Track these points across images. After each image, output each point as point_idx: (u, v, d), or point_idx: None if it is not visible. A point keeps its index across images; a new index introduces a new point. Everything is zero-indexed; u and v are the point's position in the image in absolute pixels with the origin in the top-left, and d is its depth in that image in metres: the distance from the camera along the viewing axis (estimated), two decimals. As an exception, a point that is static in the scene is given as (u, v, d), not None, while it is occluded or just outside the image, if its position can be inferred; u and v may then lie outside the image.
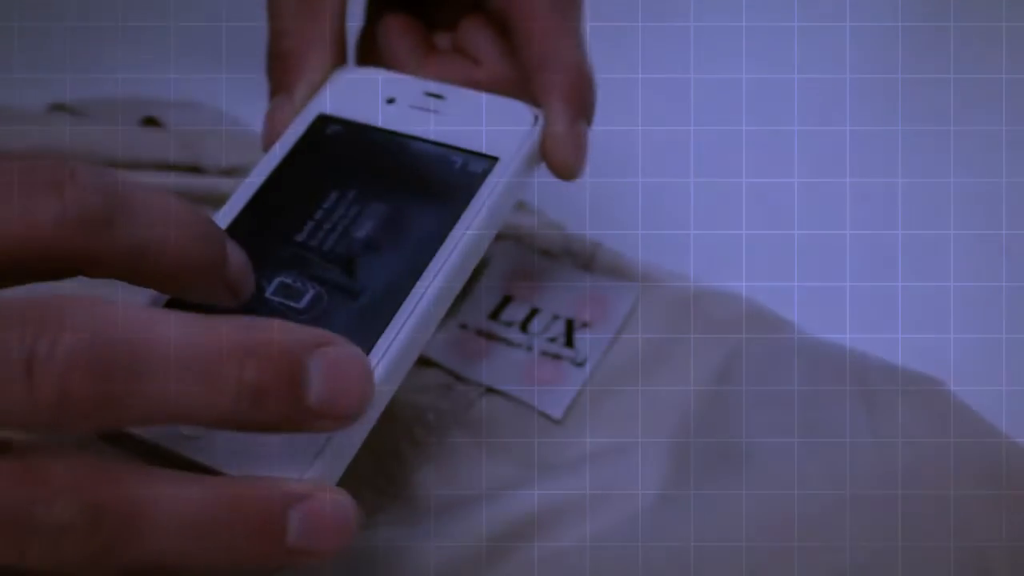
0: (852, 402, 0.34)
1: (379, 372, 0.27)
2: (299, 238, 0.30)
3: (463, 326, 0.40)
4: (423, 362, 0.39)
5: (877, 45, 0.59)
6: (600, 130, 0.49)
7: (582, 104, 0.34)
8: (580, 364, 0.38)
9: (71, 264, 0.24)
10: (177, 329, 0.23)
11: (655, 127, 0.49)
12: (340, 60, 0.35)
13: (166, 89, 0.48)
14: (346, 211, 0.31)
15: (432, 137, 0.32)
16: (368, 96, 0.34)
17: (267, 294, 0.29)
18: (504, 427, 0.38)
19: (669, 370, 0.38)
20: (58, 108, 0.47)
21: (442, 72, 0.36)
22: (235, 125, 0.47)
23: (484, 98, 0.34)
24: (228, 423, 0.24)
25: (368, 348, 0.27)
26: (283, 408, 0.24)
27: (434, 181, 0.31)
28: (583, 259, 0.41)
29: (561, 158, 0.33)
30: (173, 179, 0.42)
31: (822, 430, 0.34)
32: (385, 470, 0.36)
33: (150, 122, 0.45)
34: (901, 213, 0.46)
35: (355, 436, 0.27)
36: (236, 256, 0.27)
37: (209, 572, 0.24)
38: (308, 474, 0.26)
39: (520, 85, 0.35)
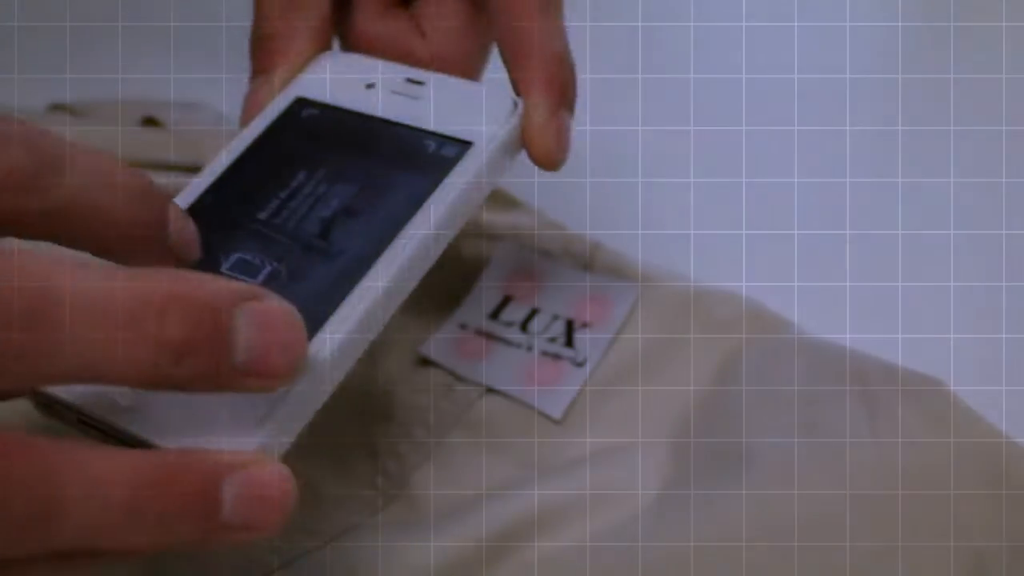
0: (852, 402, 0.34)
1: (332, 352, 0.27)
2: (262, 216, 0.30)
3: (463, 326, 0.40)
4: (423, 362, 0.39)
5: (877, 45, 0.59)
6: (600, 130, 0.49)
7: (563, 93, 0.33)
8: (580, 364, 0.38)
9: None
10: (95, 279, 0.22)
11: (655, 127, 0.49)
12: (324, 45, 0.35)
13: (166, 89, 0.48)
14: (312, 191, 0.31)
15: (407, 122, 0.32)
16: (348, 80, 0.34)
17: (224, 269, 0.29)
18: (504, 427, 0.38)
19: (669, 370, 0.38)
20: (58, 108, 0.47)
21: (380, 36, 0.36)
22: (235, 125, 0.47)
23: (464, 85, 0.34)
24: (149, 381, 0.22)
25: (321, 324, 0.27)
26: (207, 365, 0.23)
27: (405, 165, 0.31)
28: (583, 259, 0.41)
29: (541, 147, 0.33)
30: (173, 179, 0.42)
31: (822, 430, 0.34)
32: (385, 470, 0.36)
33: (150, 122, 0.45)
34: (901, 213, 0.46)
35: (304, 405, 0.26)
36: (179, 221, 0.27)
37: (140, 551, 0.23)
38: (249, 445, 0.25)
39: (462, 67, 0.35)
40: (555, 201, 0.43)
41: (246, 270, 0.29)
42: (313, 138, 0.32)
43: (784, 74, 0.53)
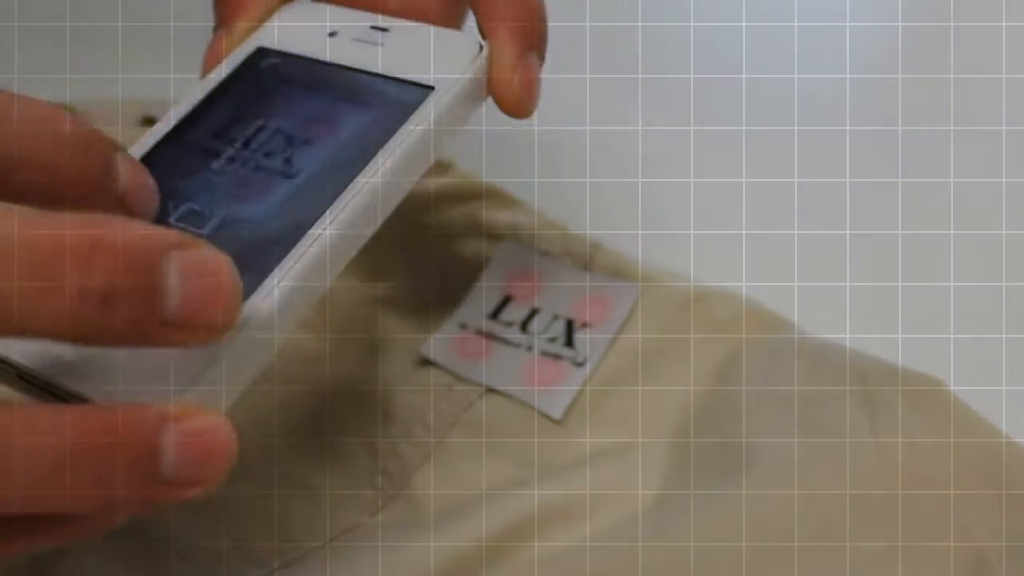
0: (852, 402, 0.34)
1: (278, 302, 0.26)
2: (215, 165, 0.30)
3: (463, 326, 0.40)
4: (423, 362, 0.39)
5: (877, 45, 0.59)
6: (600, 130, 0.49)
7: (532, 35, 0.32)
8: (580, 364, 0.38)
9: None
10: (14, 224, 0.21)
11: (655, 127, 0.49)
12: None
13: (166, 89, 0.48)
14: (267, 140, 0.30)
15: (367, 68, 0.32)
16: (311, 29, 0.33)
17: (172, 220, 0.28)
18: (504, 427, 0.38)
19: (669, 370, 0.38)
20: (58, 108, 0.47)
21: None
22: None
23: (429, 31, 0.33)
24: (73, 333, 0.21)
25: (263, 276, 0.26)
26: (134, 316, 0.21)
27: (363, 111, 0.31)
28: (583, 259, 0.41)
29: (507, 93, 0.31)
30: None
31: (822, 430, 0.34)
32: (385, 470, 0.36)
33: (150, 122, 0.45)
34: (901, 213, 0.46)
35: (248, 360, 0.26)
36: (130, 171, 0.25)
37: (79, 513, 0.22)
38: (190, 400, 0.24)
39: (436, 19, 0.34)
40: (555, 201, 0.43)
41: (194, 221, 0.28)
42: (272, 87, 0.32)
43: (784, 74, 0.53)
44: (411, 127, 0.30)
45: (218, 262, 0.23)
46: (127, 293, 0.21)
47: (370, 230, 0.29)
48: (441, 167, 0.43)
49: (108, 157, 0.25)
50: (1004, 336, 0.40)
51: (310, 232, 0.27)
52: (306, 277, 0.27)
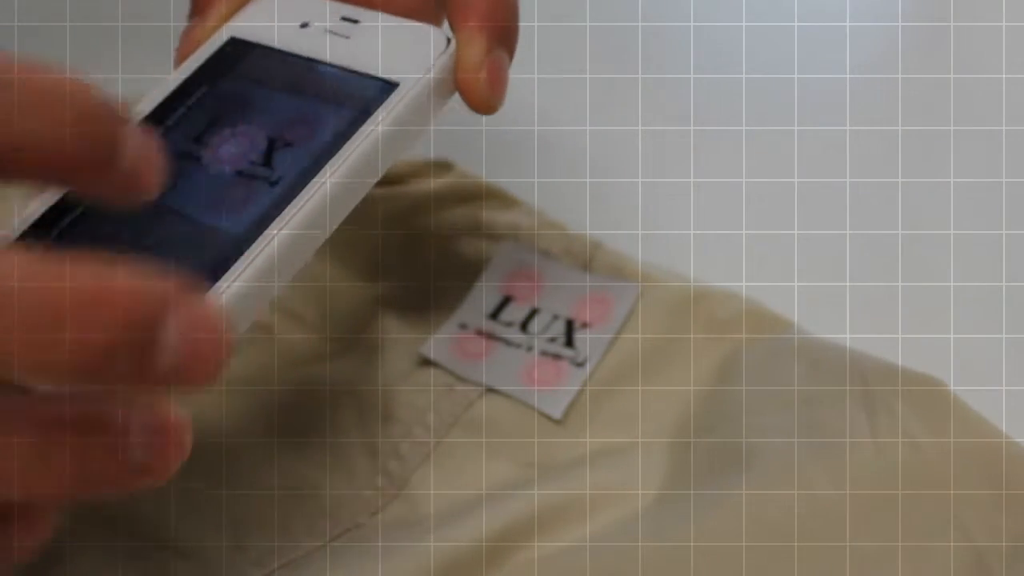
0: (852, 402, 0.34)
1: (233, 298, 0.26)
2: (184, 166, 0.29)
3: (463, 326, 0.40)
4: (423, 362, 0.39)
5: (877, 45, 0.59)
6: (600, 130, 0.49)
7: (501, 30, 0.31)
8: (580, 364, 0.38)
9: None
10: (16, 270, 0.20)
11: (655, 127, 0.49)
12: None
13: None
14: (231, 134, 0.30)
15: (335, 62, 0.31)
16: (283, 20, 0.33)
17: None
18: (504, 427, 0.38)
19: (669, 370, 0.38)
20: (58, 108, 0.47)
21: None
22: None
23: (399, 24, 0.32)
24: (70, 382, 0.21)
25: (215, 280, 0.26)
26: (132, 368, 0.21)
27: (327, 107, 0.30)
28: (583, 259, 0.41)
29: (473, 89, 0.31)
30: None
31: (822, 430, 0.34)
32: (385, 470, 0.36)
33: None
34: (901, 213, 0.46)
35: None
36: (136, 148, 0.23)
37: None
38: None
39: (419, 12, 0.33)
40: (555, 201, 0.43)
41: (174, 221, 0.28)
42: (242, 80, 0.32)
43: (784, 74, 0.53)
44: (372, 126, 0.29)
45: (215, 318, 0.22)
46: (125, 350, 0.21)
47: (320, 237, 0.29)
48: (441, 167, 0.43)
49: (113, 132, 0.23)
50: (1004, 336, 0.40)
51: (268, 231, 0.27)
52: (265, 275, 0.27)
